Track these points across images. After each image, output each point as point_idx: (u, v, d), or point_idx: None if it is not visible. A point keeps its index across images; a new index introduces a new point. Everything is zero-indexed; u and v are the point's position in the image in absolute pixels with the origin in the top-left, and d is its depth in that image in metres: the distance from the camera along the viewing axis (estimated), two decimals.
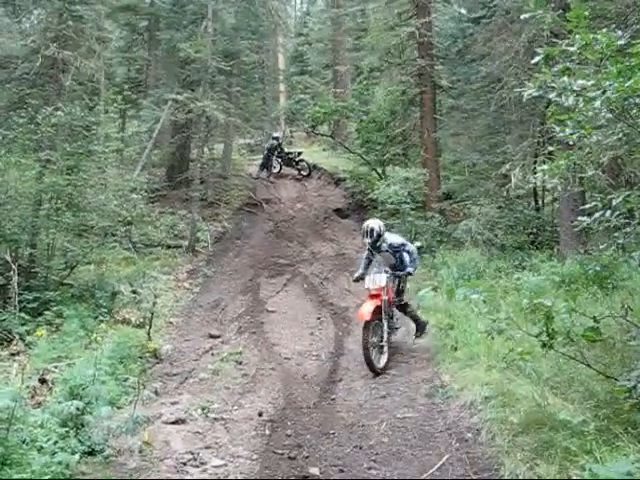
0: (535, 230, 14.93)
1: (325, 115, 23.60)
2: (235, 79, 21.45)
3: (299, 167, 26.02)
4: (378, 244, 10.09)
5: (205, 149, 20.51)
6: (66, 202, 12.34)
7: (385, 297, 9.73)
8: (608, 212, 6.23)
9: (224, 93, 20.38)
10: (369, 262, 10.42)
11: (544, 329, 6.10)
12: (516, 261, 13.18)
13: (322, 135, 27.41)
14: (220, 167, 24.01)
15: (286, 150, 26.51)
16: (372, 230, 9.97)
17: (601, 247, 8.66)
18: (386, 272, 9.96)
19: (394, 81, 21.35)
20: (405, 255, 10.13)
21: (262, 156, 26.32)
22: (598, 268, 9.22)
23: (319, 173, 26.21)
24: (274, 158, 25.76)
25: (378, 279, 9.81)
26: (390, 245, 10.14)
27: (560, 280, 10.44)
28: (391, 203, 16.78)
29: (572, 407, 6.26)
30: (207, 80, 18.11)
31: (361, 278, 10.20)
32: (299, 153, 26.43)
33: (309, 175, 25.94)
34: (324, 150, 29.85)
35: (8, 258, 11.22)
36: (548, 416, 6.11)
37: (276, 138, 26.13)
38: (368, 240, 10.00)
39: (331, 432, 7.26)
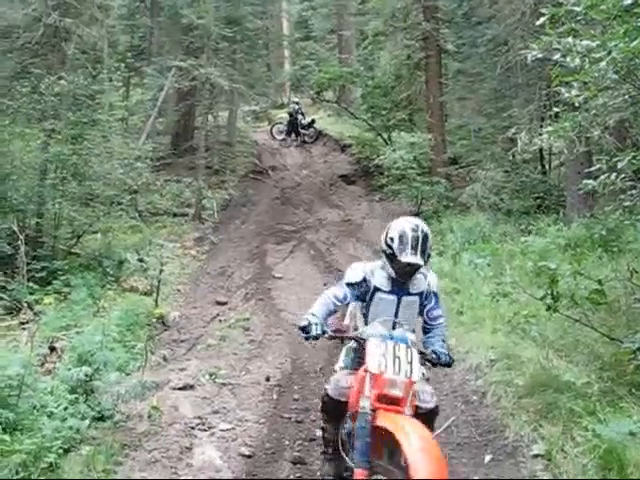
0: (541, 194, 14.83)
1: (330, 81, 23.39)
2: (239, 45, 21.22)
3: (305, 133, 25.92)
4: (419, 275, 4.75)
5: (210, 117, 20.43)
6: (71, 171, 12.36)
7: (409, 411, 4.26)
8: (614, 175, 6.21)
9: (228, 60, 20.21)
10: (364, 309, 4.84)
11: (549, 292, 6.13)
12: (522, 225, 13.14)
13: (327, 101, 27.22)
14: (225, 135, 23.91)
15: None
16: (426, 237, 4.53)
17: (606, 209, 8.65)
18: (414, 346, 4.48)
19: (399, 45, 21.12)
20: (440, 311, 4.92)
21: (284, 122, 26.25)
22: (604, 232, 9.21)
23: (325, 139, 26.12)
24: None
25: (406, 361, 4.28)
26: (429, 284, 4.84)
27: (566, 244, 10.43)
28: (397, 169, 16.73)
29: (577, 369, 6.30)
30: (210, 47, 17.99)
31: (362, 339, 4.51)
32: (313, 120, 26.31)
33: (315, 141, 25.86)
34: (329, 116, 29.66)
35: (15, 228, 11.26)
36: (553, 378, 6.15)
37: (296, 102, 26.07)
38: (418, 260, 4.45)
39: None
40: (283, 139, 25.93)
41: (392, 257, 4.52)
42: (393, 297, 4.69)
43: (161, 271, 11.28)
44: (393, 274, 4.61)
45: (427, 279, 4.81)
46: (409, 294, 4.72)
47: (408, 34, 19.67)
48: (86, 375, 6.26)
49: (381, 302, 4.70)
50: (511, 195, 14.94)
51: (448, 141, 19.16)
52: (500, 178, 15.16)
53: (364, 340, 4.44)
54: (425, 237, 4.49)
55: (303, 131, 25.90)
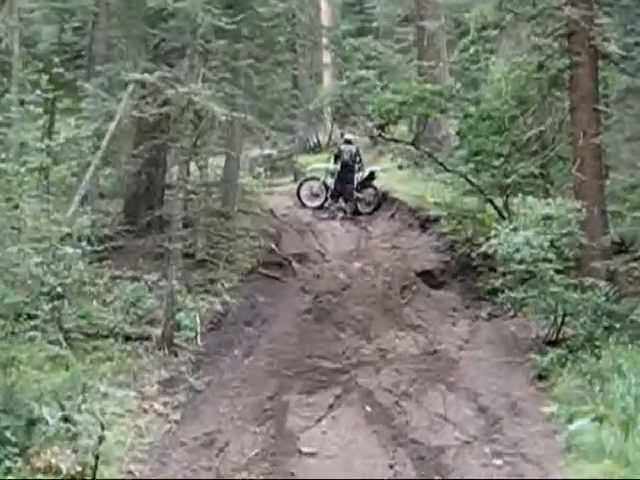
0: None
1: (403, 107, 23.74)
2: (245, 46, 21.78)
3: (360, 197, 26.19)
4: None
5: (192, 167, 20.71)
6: None
7: None
8: None
9: (226, 70, 20.68)
10: None
11: None
12: None
13: (398, 142, 27.59)
14: (219, 198, 24.16)
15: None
16: None
17: None
18: None
19: (524, 47, 21.47)
20: None
21: (322, 177, 26.68)
22: None
23: (392, 208, 26.34)
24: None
25: None
26: None
27: None
28: (520, 261, 16.67)
29: None
30: (196, 48, 18.41)
31: None
32: (371, 174, 26.63)
33: (376, 210, 26.11)
34: (400, 168, 29.97)
35: None
36: None
37: (349, 141, 26.55)
38: None
39: None
40: (320, 206, 26.21)
41: None
42: None
43: (101, 439, 11.31)
44: None
45: None
46: None
47: (539, 27, 19.98)
48: None
49: None
50: None
51: (611, 213, 19.15)
52: None
53: None
54: None
55: (357, 193, 26.13)
